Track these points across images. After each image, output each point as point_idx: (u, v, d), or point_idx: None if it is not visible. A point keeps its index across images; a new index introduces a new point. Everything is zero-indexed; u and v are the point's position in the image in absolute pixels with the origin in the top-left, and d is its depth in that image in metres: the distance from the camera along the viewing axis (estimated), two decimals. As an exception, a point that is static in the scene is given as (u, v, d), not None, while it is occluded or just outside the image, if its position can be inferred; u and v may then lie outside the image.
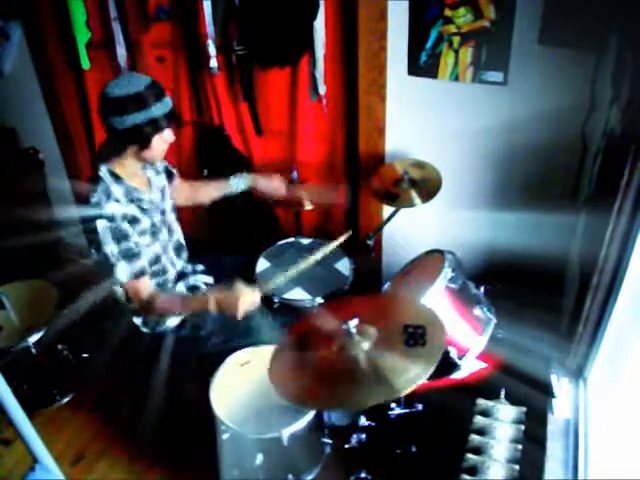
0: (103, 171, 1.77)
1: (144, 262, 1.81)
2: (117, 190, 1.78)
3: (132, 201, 1.82)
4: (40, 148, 2.94)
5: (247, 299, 1.68)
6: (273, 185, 2.14)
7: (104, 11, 2.35)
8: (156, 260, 1.91)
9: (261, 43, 2.20)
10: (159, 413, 2.08)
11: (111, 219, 1.73)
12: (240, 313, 1.68)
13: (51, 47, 2.57)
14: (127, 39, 2.39)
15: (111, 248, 1.73)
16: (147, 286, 1.83)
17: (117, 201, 1.77)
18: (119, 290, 1.93)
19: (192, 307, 1.87)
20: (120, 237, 1.74)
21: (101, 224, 1.71)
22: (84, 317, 2.25)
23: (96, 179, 1.77)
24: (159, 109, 1.68)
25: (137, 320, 1.98)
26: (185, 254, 2.10)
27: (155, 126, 1.69)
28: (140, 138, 1.71)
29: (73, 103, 2.73)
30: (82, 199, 1.77)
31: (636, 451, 1.45)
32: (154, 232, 1.89)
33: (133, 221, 1.80)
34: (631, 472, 1.40)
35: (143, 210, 1.85)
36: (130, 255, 1.76)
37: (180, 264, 2.05)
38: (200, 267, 2.13)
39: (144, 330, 1.98)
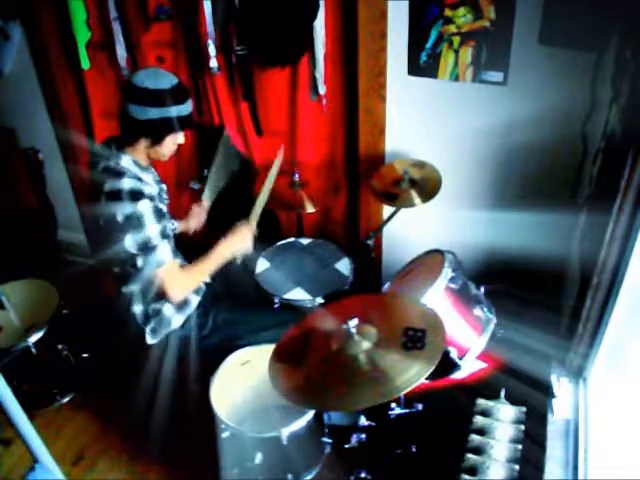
0: (126, 160, 1.78)
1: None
2: (146, 176, 1.82)
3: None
4: (40, 148, 2.94)
5: (245, 233, 1.91)
6: (194, 220, 2.18)
7: (104, 11, 2.35)
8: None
9: (261, 43, 2.20)
10: (159, 412, 2.08)
11: (152, 198, 1.75)
12: (249, 245, 1.93)
13: (51, 47, 2.56)
14: (127, 39, 2.39)
15: (153, 228, 1.73)
16: (177, 265, 1.85)
17: (149, 185, 1.80)
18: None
19: (211, 269, 1.89)
20: (159, 216, 1.76)
21: (144, 205, 1.72)
22: (85, 317, 2.26)
23: (117, 170, 1.76)
24: (180, 110, 1.72)
25: (146, 330, 1.95)
26: None
27: (171, 125, 1.73)
28: (154, 133, 1.75)
29: (73, 103, 2.73)
30: (99, 193, 1.75)
31: (636, 451, 1.45)
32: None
33: (163, 203, 1.88)
34: (631, 472, 1.41)
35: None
36: (166, 234, 1.79)
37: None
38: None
39: (152, 340, 1.96)
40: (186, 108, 1.75)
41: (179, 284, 1.82)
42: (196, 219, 2.18)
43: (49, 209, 3.13)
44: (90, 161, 1.85)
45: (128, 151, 1.80)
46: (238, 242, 1.91)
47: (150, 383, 1.99)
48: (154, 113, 1.69)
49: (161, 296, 1.84)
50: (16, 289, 2.38)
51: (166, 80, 1.70)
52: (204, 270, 1.89)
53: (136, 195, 1.71)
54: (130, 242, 1.73)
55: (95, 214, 1.78)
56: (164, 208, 1.87)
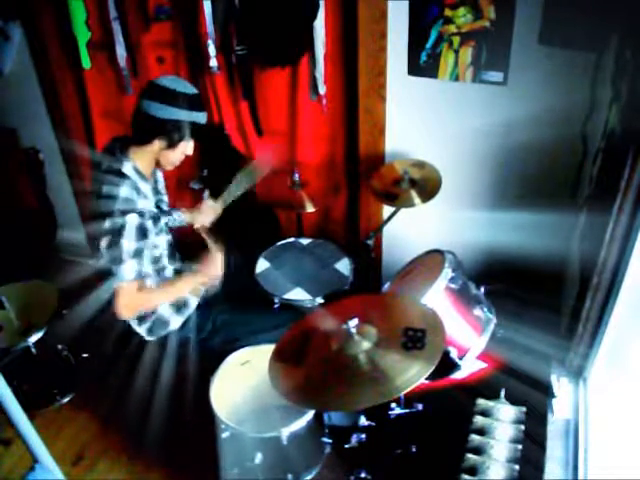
0: (127, 167, 1.77)
1: (147, 265, 1.83)
2: (145, 187, 1.81)
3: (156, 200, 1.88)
4: (40, 148, 2.94)
5: (214, 264, 1.91)
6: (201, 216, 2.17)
7: (104, 11, 2.35)
8: (159, 258, 1.92)
9: (261, 43, 2.20)
10: (159, 413, 2.08)
11: (142, 214, 1.74)
12: (219, 275, 1.92)
13: (51, 47, 2.56)
14: (127, 39, 2.39)
15: (128, 245, 1.72)
16: (135, 286, 1.81)
17: (146, 198, 1.79)
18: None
19: (170, 299, 1.91)
20: (142, 235, 1.75)
21: (132, 219, 1.71)
22: (85, 318, 2.25)
23: (116, 177, 1.74)
24: (199, 118, 1.76)
25: (141, 328, 1.97)
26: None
27: (189, 130, 1.75)
28: (172, 134, 1.73)
29: (73, 103, 2.73)
30: (96, 195, 1.75)
31: (636, 451, 1.45)
32: (166, 231, 1.94)
33: (155, 219, 1.84)
34: (631, 472, 1.41)
35: (161, 210, 1.91)
36: (140, 255, 1.76)
37: (176, 264, 2.05)
38: (195, 267, 2.13)
39: (149, 338, 1.97)
40: (204, 117, 1.79)
41: (130, 305, 1.81)
42: (204, 216, 2.16)
43: (49, 209, 3.12)
44: (92, 163, 1.86)
45: (133, 155, 1.78)
46: (203, 277, 1.91)
47: (150, 384, 1.99)
48: (175, 113, 1.70)
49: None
50: (16, 289, 2.38)
51: (188, 87, 1.74)
52: (161, 299, 1.90)
53: (126, 210, 1.71)
54: (105, 250, 1.74)
55: (90, 215, 1.79)
56: (153, 223, 1.83)
